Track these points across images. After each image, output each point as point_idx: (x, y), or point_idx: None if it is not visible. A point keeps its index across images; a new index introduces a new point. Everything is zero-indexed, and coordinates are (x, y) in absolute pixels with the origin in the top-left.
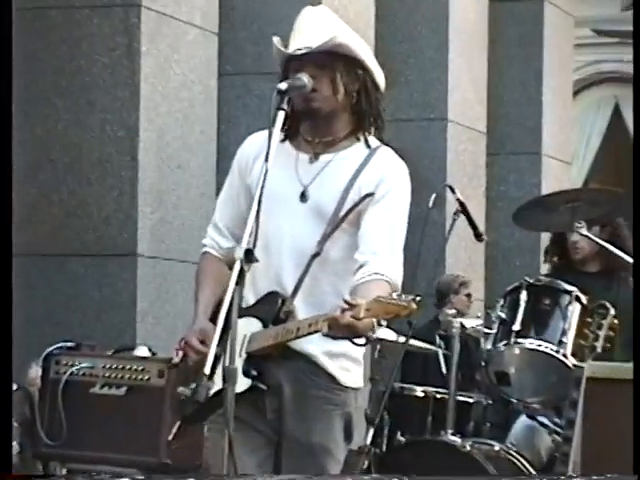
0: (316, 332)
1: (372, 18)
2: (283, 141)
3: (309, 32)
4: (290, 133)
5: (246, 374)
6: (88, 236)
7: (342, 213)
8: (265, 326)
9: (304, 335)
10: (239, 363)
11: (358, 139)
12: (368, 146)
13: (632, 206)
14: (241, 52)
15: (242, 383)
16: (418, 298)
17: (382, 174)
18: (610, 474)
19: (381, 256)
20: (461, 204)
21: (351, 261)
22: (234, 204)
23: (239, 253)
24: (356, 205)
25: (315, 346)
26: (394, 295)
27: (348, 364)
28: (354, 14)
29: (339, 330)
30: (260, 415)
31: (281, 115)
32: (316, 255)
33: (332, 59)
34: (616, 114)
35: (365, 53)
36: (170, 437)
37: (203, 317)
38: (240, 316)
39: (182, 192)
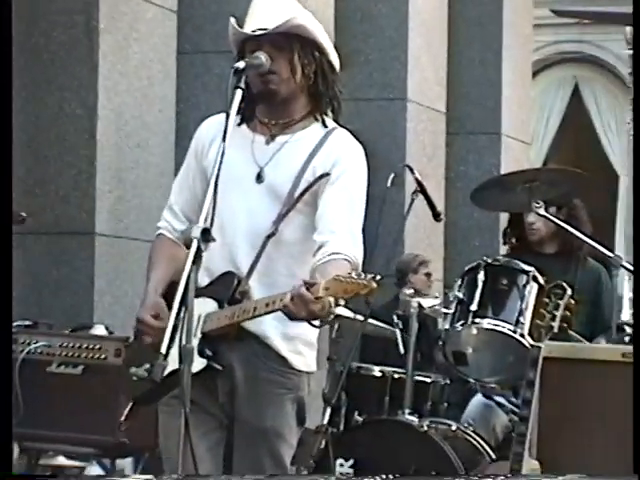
0: (273, 311)
1: None
2: (240, 124)
3: (266, 13)
4: (246, 115)
5: (201, 354)
6: (46, 215)
7: (297, 193)
8: (221, 306)
9: (261, 314)
10: (194, 343)
11: (316, 119)
12: (325, 127)
13: (589, 187)
14: (200, 30)
15: (197, 363)
16: (378, 277)
17: (337, 155)
18: (609, 474)
19: (340, 235)
20: (419, 184)
21: (307, 242)
22: (190, 187)
23: (196, 232)
24: (311, 185)
25: (269, 328)
26: (353, 274)
27: (302, 347)
28: None
29: (297, 309)
30: (212, 398)
31: (238, 94)
32: (271, 235)
33: (289, 40)
34: (575, 94)
35: (321, 35)
36: (122, 418)
37: (154, 293)
38: (195, 296)
39: (141, 171)
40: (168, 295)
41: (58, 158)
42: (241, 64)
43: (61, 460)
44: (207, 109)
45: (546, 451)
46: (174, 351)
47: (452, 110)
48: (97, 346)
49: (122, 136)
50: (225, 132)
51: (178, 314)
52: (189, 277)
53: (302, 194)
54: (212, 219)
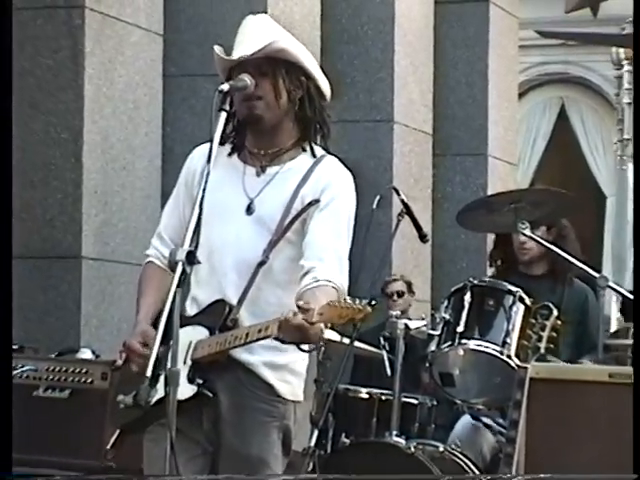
0: (266, 337)
1: (318, 19)
2: (230, 155)
3: (250, 40)
4: (237, 146)
5: (191, 381)
6: (32, 238)
7: (286, 222)
8: (212, 333)
9: (253, 341)
10: (184, 370)
11: (304, 149)
12: (314, 156)
13: (575, 207)
14: (186, 54)
15: (187, 390)
16: (373, 302)
17: (326, 182)
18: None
19: (327, 262)
20: (405, 205)
21: (294, 272)
22: (179, 216)
23: (181, 255)
24: (300, 214)
25: (256, 356)
26: (348, 299)
27: (289, 377)
28: (300, 15)
29: (290, 334)
30: (197, 425)
31: (223, 116)
32: (262, 263)
33: (273, 64)
34: (562, 115)
35: (307, 59)
36: (108, 446)
37: (144, 321)
38: (184, 324)
39: (127, 194)
40: (157, 323)
41: (44, 182)
42: (225, 86)
43: None
44: (193, 132)
45: (534, 472)
46: (162, 379)
47: (438, 131)
48: (84, 370)
49: (108, 159)
50: (210, 155)
51: (164, 339)
52: (174, 300)
53: (292, 222)
54: (197, 241)
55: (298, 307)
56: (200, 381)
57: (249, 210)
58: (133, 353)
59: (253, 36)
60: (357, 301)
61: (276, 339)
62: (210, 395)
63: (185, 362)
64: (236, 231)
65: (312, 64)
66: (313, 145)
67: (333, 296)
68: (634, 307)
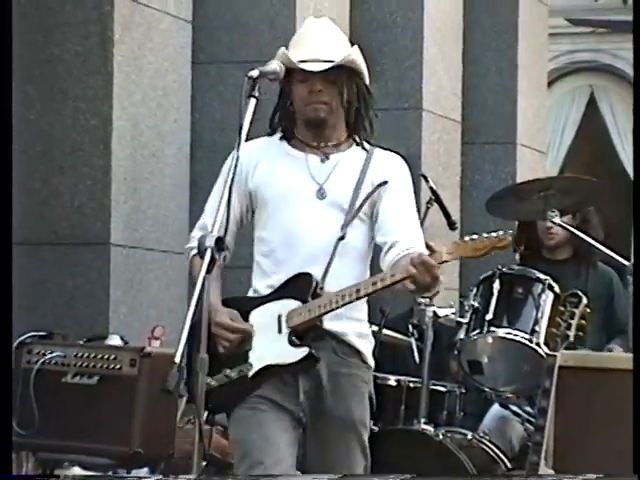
0: (387, 287)
1: (347, 7)
2: (281, 140)
3: (320, 44)
4: (287, 135)
5: (295, 346)
6: (61, 225)
7: (358, 203)
8: (303, 302)
9: (368, 294)
10: (283, 338)
11: (356, 143)
12: (364, 148)
13: (604, 195)
14: (215, 40)
15: (292, 354)
16: (510, 231)
17: (389, 166)
18: (609, 474)
19: (409, 234)
20: (434, 193)
21: (366, 250)
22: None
23: (210, 241)
24: (371, 194)
25: (347, 326)
26: (483, 234)
27: (370, 345)
28: (329, 3)
29: (421, 276)
30: (293, 396)
31: (252, 102)
32: (342, 238)
33: (340, 73)
34: (591, 103)
35: (364, 64)
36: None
37: (220, 305)
38: (259, 304)
39: (156, 181)
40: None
41: (73, 169)
42: (255, 72)
43: (77, 471)
44: (222, 119)
45: (562, 460)
46: (260, 350)
47: (467, 119)
48: (112, 356)
49: (137, 146)
50: (239, 142)
51: (193, 324)
52: (202, 286)
53: (363, 202)
54: (226, 228)
55: (427, 247)
56: (307, 342)
57: (321, 194)
58: (225, 328)
59: (323, 41)
60: (491, 233)
61: (410, 284)
62: (319, 358)
63: (280, 331)
64: (311, 215)
65: (365, 66)
66: (361, 138)
67: (419, 254)
68: (634, 306)
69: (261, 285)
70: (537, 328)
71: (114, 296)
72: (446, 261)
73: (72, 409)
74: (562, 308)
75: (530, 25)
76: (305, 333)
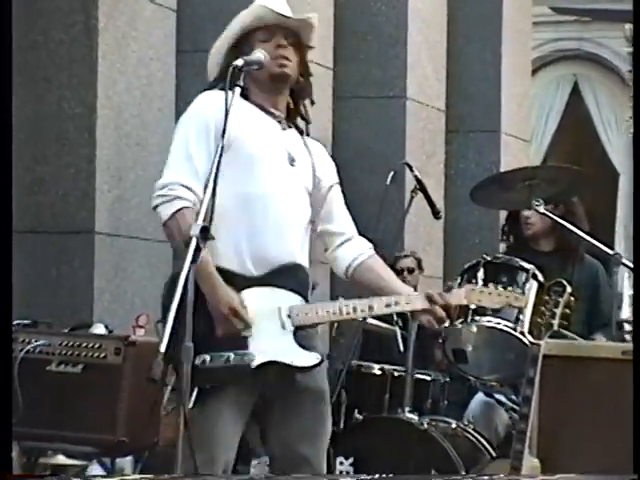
0: (395, 312)
1: None
2: (241, 98)
3: (281, 6)
4: (245, 94)
5: (305, 348)
6: (45, 213)
7: (314, 188)
8: (305, 300)
9: (380, 314)
10: (288, 337)
11: (293, 125)
12: (298, 128)
13: (589, 184)
14: (200, 29)
15: (308, 358)
16: (523, 294)
17: (328, 162)
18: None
19: (356, 232)
20: (418, 181)
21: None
22: (209, 153)
23: (195, 230)
24: (329, 190)
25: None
26: (498, 287)
27: None
28: None
29: (439, 319)
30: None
31: (237, 91)
32: (314, 228)
33: (299, 37)
34: (575, 92)
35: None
36: (190, 405)
37: (222, 280)
38: (247, 286)
39: (140, 170)
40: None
41: (57, 157)
42: (239, 62)
43: (61, 459)
44: None
45: (546, 449)
46: (263, 342)
47: (451, 108)
48: (97, 345)
49: (121, 135)
50: (224, 130)
51: (178, 313)
52: (187, 276)
53: (325, 196)
54: (211, 217)
55: (448, 289)
56: (312, 349)
57: (292, 162)
58: (237, 314)
59: (283, 4)
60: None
61: (424, 316)
62: (326, 361)
63: (284, 327)
64: (284, 183)
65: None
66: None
67: (383, 263)
68: (634, 303)
69: (251, 256)
70: (521, 317)
71: (98, 284)
72: (462, 305)
73: (56, 398)
74: (547, 297)
75: (514, 13)
76: (304, 332)
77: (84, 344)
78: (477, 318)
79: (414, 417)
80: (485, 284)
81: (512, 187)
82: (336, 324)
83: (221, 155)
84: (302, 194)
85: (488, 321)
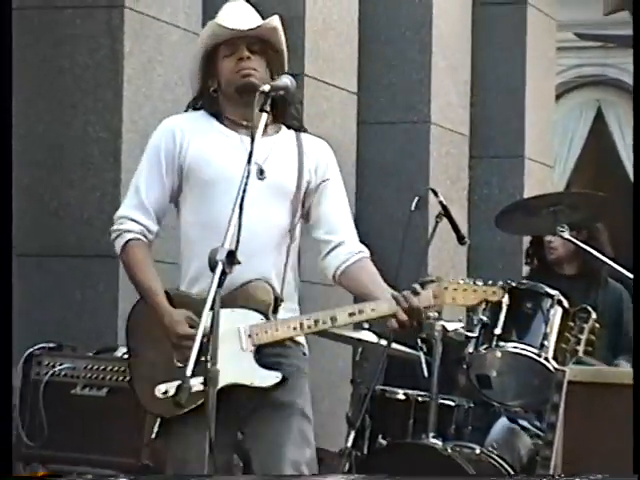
0: (367, 320)
1: (355, 20)
2: (211, 117)
3: (240, 16)
4: (217, 113)
5: (267, 367)
6: (70, 237)
7: (301, 193)
8: (266, 318)
9: (345, 324)
10: (248, 357)
11: (286, 126)
12: (291, 130)
13: (613, 210)
14: None
15: (268, 377)
16: (500, 282)
17: (322, 156)
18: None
19: (350, 234)
20: (444, 207)
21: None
22: (162, 186)
23: (221, 255)
24: (315, 191)
25: (283, 316)
26: (467, 280)
27: (303, 335)
28: (338, 16)
29: (410, 321)
30: (235, 410)
31: (264, 117)
32: (291, 244)
33: (265, 46)
34: (598, 118)
35: (284, 43)
36: (153, 436)
37: (168, 306)
38: (222, 306)
39: None
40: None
41: (82, 181)
42: (266, 87)
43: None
44: None
45: (571, 476)
46: (225, 365)
47: (475, 133)
48: (121, 368)
49: None
50: (250, 155)
51: (204, 337)
52: (214, 300)
53: (308, 199)
54: (237, 241)
55: (414, 291)
56: (275, 367)
57: (261, 174)
58: (188, 339)
59: (243, 15)
60: (480, 282)
61: (394, 324)
62: (287, 378)
63: (243, 348)
64: (253, 196)
65: (285, 47)
66: (288, 121)
67: (373, 267)
68: (634, 308)
69: (193, 277)
70: (546, 343)
71: (123, 308)
72: (432, 305)
73: (81, 421)
74: (571, 323)
75: (538, 40)
76: (267, 349)
77: (109, 367)
78: (502, 344)
79: (438, 442)
80: (509, 310)
81: (537, 213)
82: (360, 349)
83: (247, 178)
84: (274, 205)
85: (514, 347)
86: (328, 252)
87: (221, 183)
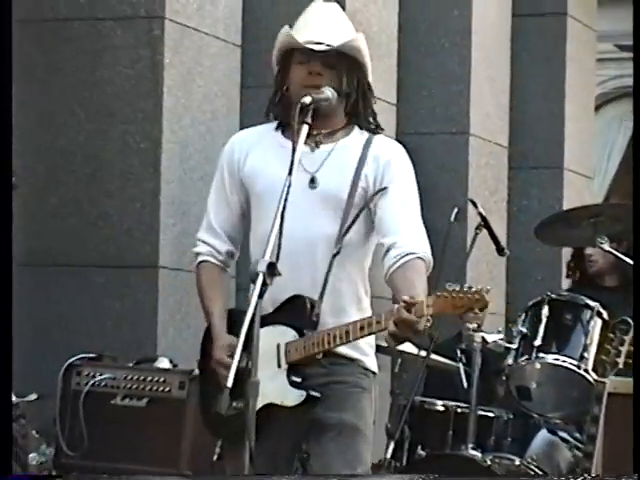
0: (371, 334)
1: (395, 31)
2: (276, 130)
3: (324, 27)
4: (282, 123)
5: (296, 386)
6: (109, 247)
7: (355, 201)
8: (300, 334)
9: (356, 338)
10: (282, 375)
11: (354, 128)
12: (364, 133)
13: None
14: (264, 65)
15: (295, 396)
16: (488, 287)
17: (386, 160)
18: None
19: (407, 234)
20: (483, 218)
21: (362, 248)
22: (228, 204)
23: (262, 266)
24: (369, 200)
25: None
26: (457, 288)
27: (368, 349)
28: (377, 27)
29: (402, 332)
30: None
31: (305, 129)
32: (336, 254)
33: (341, 60)
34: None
35: (368, 56)
36: (215, 458)
37: (223, 331)
38: (265, 324)
39: (204, 205)
40: (230, 328)
41: (122, 191)
42: (307, 99)
43: None
44: None
45: None
46: (262, 384)
47: (514, 144)
48: (161, 379)
49: (186, 169)
50: (291, 167)
51: (244, 350)
52: (255, 312)
53: (362, 209)
54: (278, 253)
55: (405, 303)
56: (306, 385)
57: (312, 183)
58: (223, 367)
59: (328, 25)
60: (472, 288)
61: (389, 336)
62: (318, 396)
63: (280, 365)
64: (300, 208)
65: (369, 62)
66: (362, 125)
67: (421, 269)
68: (634, 309)
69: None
70: (586, 354)
71: (162, 318)
72: (426, 315)
73: (121, 431)
74: (611, 335)
75: (578, 50)
76: (303, 367)
77: (149, 378)
78: (541, 355)
79: (477, 454)
80: (549, 321)
81: (577, 225)
82: (399, 360)
83: (289, 188)
84: (322, 214)
85: (554, 359)
86: (382, 257)
87: (272, 195)
